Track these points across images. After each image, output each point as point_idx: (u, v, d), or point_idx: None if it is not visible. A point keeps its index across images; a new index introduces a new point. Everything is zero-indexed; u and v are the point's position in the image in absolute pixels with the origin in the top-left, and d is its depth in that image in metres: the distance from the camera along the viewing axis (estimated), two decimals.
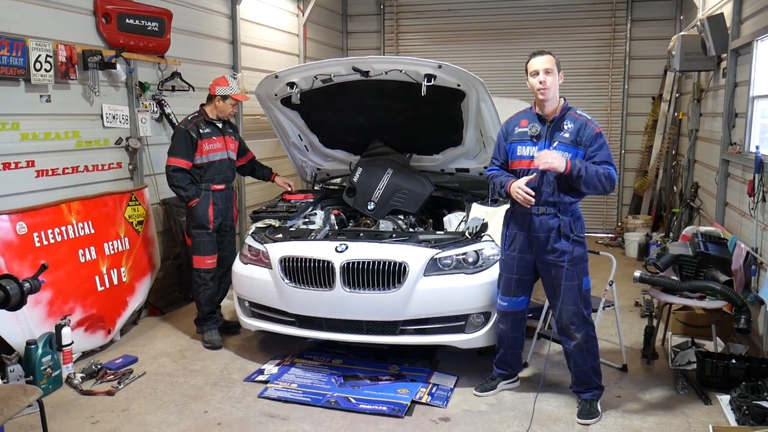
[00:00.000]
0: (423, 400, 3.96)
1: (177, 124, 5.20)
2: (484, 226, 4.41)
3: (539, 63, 3.65)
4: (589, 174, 3.54)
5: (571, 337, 3.79)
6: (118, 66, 5.01)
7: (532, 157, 3.69)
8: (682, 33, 6.94)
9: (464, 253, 4.23)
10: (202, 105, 5.00)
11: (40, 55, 4.27)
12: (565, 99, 3.75)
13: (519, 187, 3.63)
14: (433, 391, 4.10)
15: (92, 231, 4.67)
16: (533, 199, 3.62)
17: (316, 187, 5.87)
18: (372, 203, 5.15)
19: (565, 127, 3.66)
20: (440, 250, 4.21)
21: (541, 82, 3.62)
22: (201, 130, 4.86)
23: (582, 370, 3.81)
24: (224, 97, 4.88)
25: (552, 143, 3.67)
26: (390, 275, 4.13)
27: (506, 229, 3.92)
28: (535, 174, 3.65)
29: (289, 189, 5.49)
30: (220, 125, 4.99)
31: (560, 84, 3.71)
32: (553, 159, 3.51)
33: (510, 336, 4.02)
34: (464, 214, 4.89)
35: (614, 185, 3.63)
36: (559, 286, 3.72)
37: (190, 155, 4.82)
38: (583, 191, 3.64)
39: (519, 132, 3.79)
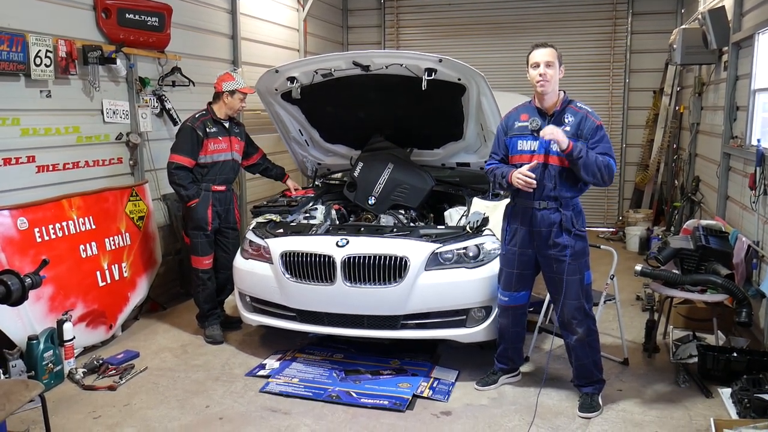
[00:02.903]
0: (424, 395, 3.97)
1: (181, 120, 5.18)
2: (485, 221, 4.40)
3: (540, 55, 3.63)
4: (589, 158, 3.53)
5: (573, 331, 3.79)
6: (119, 61, 5.01)
7: (533, 151, 3.69)
8: (684, 26, 6.92)
9: (465, 248, 4.23)
10: (210, 103, 4.96)
11: (40, 51, 4.27)
12: (565, 92, 3.73)
13: (520, 172, 3.61)
14: (435, 385, 4.10)
15: (93, 226, 4.68)
16: (534, 182, 3.59)
17: (316, 182, 5.86)
18: (373, 198, 5.15)
19: (566, 120, 3.64)
20: (441, 245, 4.20)
21: (541, 75, 3.60)
22: (208, 129, 4.84)
23: (583, 364, 3.82)
24: (232, 93, 4.86)
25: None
26: (391, 270, 4.12)
27: (507, 224, 3.91)
28: (535, 162, 3.63)
29: (294, 192, 5.48)
30: (227, 125, 4.97)
31: (561, 78, 3.69)
32: (558, 133, 3.51)
33: (511, 330, 4.02)
34: (465, 208, 4.89)
35: (613, 176, 3.61)
36: (561, 281, 3.72)
37: (195, 154, 4.80)
38: (582, 177, 3.59)
39: (519, 126, 3.77)
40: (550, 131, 3.52)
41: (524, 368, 4.32)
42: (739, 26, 5.53)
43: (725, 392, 3.90)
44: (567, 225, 3.67)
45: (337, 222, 5.12)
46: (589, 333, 3.78)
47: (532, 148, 3.69)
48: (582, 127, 3.61)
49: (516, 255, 3.85)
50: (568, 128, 3.62)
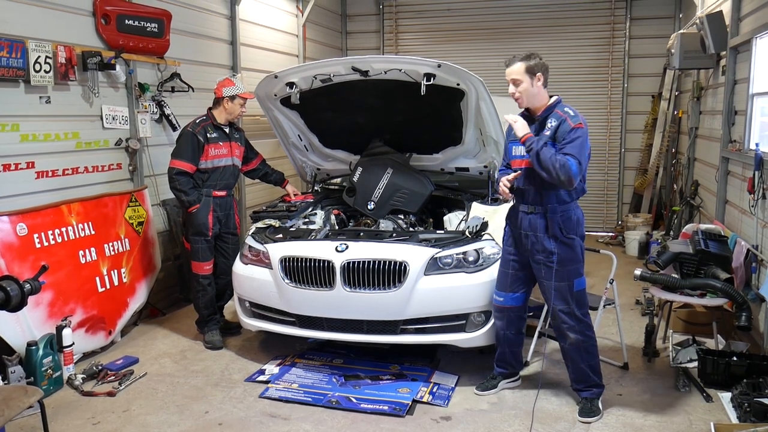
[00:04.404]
0: (424, 400, 3.97)
1: (181, 126, 5.18)
2: (484, 225, 4.41)
3: (508, 74, 3.66)
4: (543, 153, 3.50)
5: (564, 336, 3.80)
6: (118, 67, 5.01)
7: (524, 156, 3.73)
8: (682, 31, 6.94)
9: (464, 252, 4.23)
10: (210, 109, 4.97)
11: (39, 57, 4.27)
12: (556, 96, 3.72)
13: (501, 179, 3.72)
14: (434, 390, 4.10)
15: (92, 232, 4.67)
16: (506, 189, 3.68)
17: (316, 188, 5.87)
18: (372, 203, 5.15)
19: (549, 125, 3.64)
20: (440, 250, 4.20)
21: (511, 94, 3.68)
22: (208, 135, 4.84)
23: (579, 368, 3.81)
24: (232, 98, 4.87)
25: None
26: (390, 275, 4.12)
27: (506, 225, 3.97)
28: (519, 172, 3.71)
29: (293, 197, 5.49)
30: (227, 130, 4.98)
31: (542, 83, 3.63)
32: (516, 122, 3.62)
33: (506, 333, 4.03)
34: (464, 213, 4.89)
35: (570, 176, 3.47)
36: (550, 286, 3.74)
37: (195, 159, 4.80)
38: (539, 172, 3.56)
39: (514, 132, 3.82)
40: (512, 119, 3.65)
41: (524, 373, 4.31)
42: (736, 30, 5.55)
43: (725, 396, 3.90)
44: (554, 231, 3.67)
45: (337, 227, 5.12)
46: (585, 338, 3.76)
47: (522, 153, 3.74)
48: (559, 131, 3.59)
49: (510, 255, 3.91)
50: (547, 132, 3.63)
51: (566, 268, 3.69)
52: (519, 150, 3.77)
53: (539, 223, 3.70)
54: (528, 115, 3.75)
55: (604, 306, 4.38)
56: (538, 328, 4.58)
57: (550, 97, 3.71)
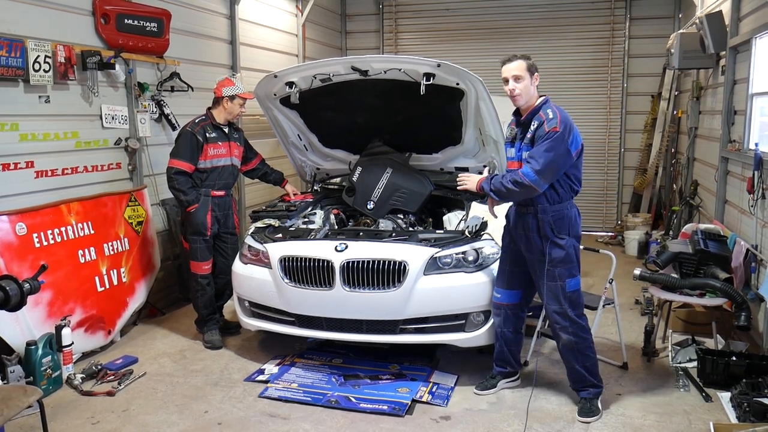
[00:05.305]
0: (423, 399, 3.97)
1: (180, 126, 5.18)
2: (484, 225, 4.41)
3: (508, 70, 3.65)
4: (495, 186, 3.66)
5: (557, 336, 3.81)
6: (117, 66, 5.01)
7: (513, 158, 3.79)
8: (681, 31, 6.95)
9: (464, 252, 4.23)
10: (209, 109, 4.97)
11: (39, 56, 4.27)
12: (544, 96, 3.72)
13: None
14: (434, 389, 4.10)
15: (92, 231, 4.67)
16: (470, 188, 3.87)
17: (315, 187, 5.87)
18: (371, 202, 5.15)
19: (531, 127, 3.65)
20: (440, 249, 4.20)
21: (510, 90, 3.66)
22: (207, 134, 4.84)
23: (574, 368, 3.81)
24: (232, 98, 4.86)
25: (522, 144, 3.71)
26: (390, 274, 4.12)
27: (506, 223, 4.00)
28: (485, 174, 3.83)
29: (293, 196, 5.49)
30: (226, 130, 4.98)
31: (537, 84, 3.66)
32: (467, 182, 3.84)
33: (503, 331, 4.03)
34: (464, 212, 4.89)
35: (525, 185, 3.54)
36: (542, 286, 3.75)
37: (194, 159, 4.80)
38: (511, 199, 3.76)
39: (508, 134, 3.89)
40: (461, 183, 3.89)
41: (524, 372, 4.31)
42: (736, 30, 5.55)
43: (724, 396, 3.90)
44: (545, 231, 3.68)
45: (336, 227, 5.12)
46: (578, 340, 3.75)
47: (512, 155, 3.80)
48: (536, 134, 3.60)
49: (508, 253, 3.95)
50: (529, 135, 3.65)
51: (558, 268, 3.69)
52: (511, 152, 3.82)
53: (531, 222, 3.72)
54: (518, 118, 3.78)
55: (603, 306, 4.37)
56: (538, 328, 4.58)
57: (540, 97, 3.72)
